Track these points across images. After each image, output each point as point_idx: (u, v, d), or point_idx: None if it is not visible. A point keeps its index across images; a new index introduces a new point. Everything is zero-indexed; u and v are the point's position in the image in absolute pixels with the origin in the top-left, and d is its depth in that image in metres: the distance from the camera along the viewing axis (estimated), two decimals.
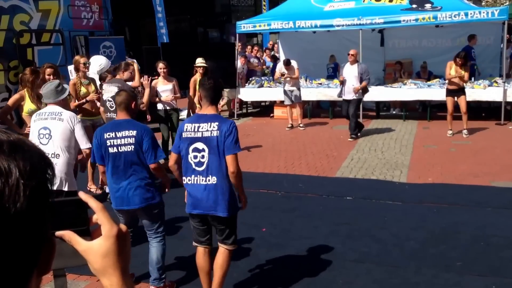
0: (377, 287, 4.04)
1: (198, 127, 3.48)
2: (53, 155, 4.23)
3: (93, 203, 0.85)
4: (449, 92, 9.40)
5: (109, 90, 6.68)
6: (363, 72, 9.41)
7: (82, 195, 0.84)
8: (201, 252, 3.72)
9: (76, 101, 6.65)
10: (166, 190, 4.07)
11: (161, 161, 3.97)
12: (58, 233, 0.81)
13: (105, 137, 3.80)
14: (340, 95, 9.88)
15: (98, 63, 8.07)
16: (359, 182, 6.98)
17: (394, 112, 12.41)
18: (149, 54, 10.25)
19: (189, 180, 3.56)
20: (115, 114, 6.83)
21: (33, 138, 4.24)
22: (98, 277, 0.86)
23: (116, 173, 3.82)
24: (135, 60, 11.58)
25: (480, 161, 7.76)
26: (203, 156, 3.47)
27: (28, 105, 5.83)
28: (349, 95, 9.55)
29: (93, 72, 8.24)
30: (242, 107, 13.12)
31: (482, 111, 11.17)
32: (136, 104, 4.00)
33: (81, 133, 4.44)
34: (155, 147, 3.84)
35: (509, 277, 4.12)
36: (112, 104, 6.74)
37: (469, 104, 9.63)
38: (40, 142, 4.24)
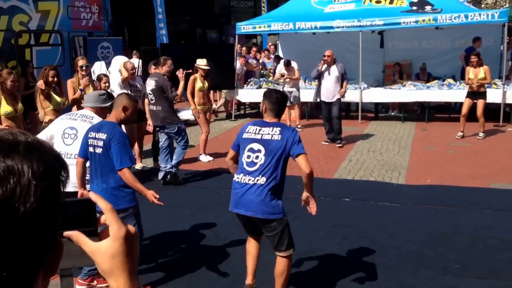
0: None
1: (260, 130, 3.60)
2: (75, 156, 4.14)
3: (102, 204, 0.85)
4: (468, 94, 9.35)
5: (149, 84, 7.05)
6: (343, 71, 9.13)
7: (91, 195, 0.84)
8: (251, 240, 3.82)
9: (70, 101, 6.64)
10: (154, 200, 3.76)
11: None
12: (66, 233, 0.81)
13: (88, 136, 3.85)
14: (316, 98, 9.38)
15: (119, 62, 8.16)
16: (357, 184, 6.96)
17: (392, 113, 12.40)
18: (147, 55, 10.21)
19: (237, 177, 3.62)
20: (155, 107, 6.98)
21: (56, 136, 4.24)
22: (105, 278, 0.85)
23: (91, 173, 3.86)
24: (136, 59, 11.60)
25: (478, 163, 7.74)
26: (257, 157, 3.54)
27: (4, 108, 5.78)
28: (330, 97, 9.11)
29: (114, 71, 8.35)
30: (240, 108, 13.10)
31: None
32: (130, 112, 3.95)
33: None
34: (123, 153, 3.66)
35: (507, 279, 4.10)
36: (152, 97, 7.01)
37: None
38: (64, 142, 4.22)
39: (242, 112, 13.08)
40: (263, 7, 18.83)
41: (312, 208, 3.75)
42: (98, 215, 0.85)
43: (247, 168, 3.55)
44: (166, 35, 14.08)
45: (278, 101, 3.66)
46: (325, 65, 9.06)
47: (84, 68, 6.83)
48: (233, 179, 3.66)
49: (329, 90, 9.11)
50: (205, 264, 4.48)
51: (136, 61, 11.02)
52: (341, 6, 11.92)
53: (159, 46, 11.76)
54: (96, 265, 0.85)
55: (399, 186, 6.77)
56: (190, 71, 7.96)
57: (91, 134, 3.83)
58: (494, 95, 10.55)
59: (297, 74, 10.54)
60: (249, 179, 3.53)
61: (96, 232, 0.84)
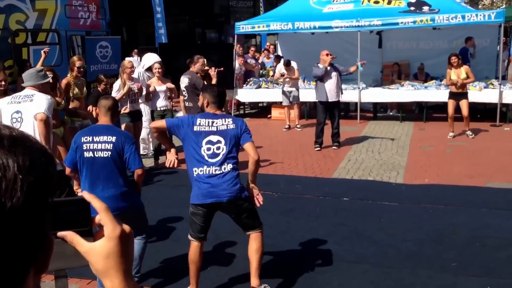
0: None
1: (213, 122, 3.75)
2: None
3: (96, 204, 0.84)
4: (451, 95, 9.43)
5: (183, 81, 7.29)
6: (341, 67, 8.99)
7: (85, 195, 0.83)
8: (196, 247, 3.81)
9: (65, 100, 6.55)
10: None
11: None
12: (60, 233, 0.80)
13: (82, 141, 3.69)
14: (322, 98, 8.82)
15: (149, 60, 8.28)
16: (356, 183, 6.99)
17: (391, 113, 12.44)
18: None
19: (201, 170, 3.67)
20: (187, 103, 7.18)
21: (6, 123, 4.23)
22: (100, 278, 0.85)
23: (90, 179, 3.67)
24: (135, 58, 11.59)
25: (475, 162, 7.78)
26: (218, 147, 3.69)
27: None
28: (334, 96, 8.83)
29: (141, 67, 8.40)
30: (239, 108, 13.12)
31: (478, 113, 11.20)
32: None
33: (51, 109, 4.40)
34: (137, 153, 3.82)
35: (504, 277, 4.13)
36: (185, 93, 7.29)
37: None
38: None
39: (241, 111, 13.10)
40: (261, 7, 18.86)
41: (259, 198, 3.89)
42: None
43: (209, 160, 3.67)
44: (165, 34, 14.08)
45: (219, 94, 3.89)
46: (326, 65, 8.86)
47: (81, 69, 6.81)
48: (195, 173, 3.68)
49: (333, 89, 8.89)
50: (204, 263, 4.48)
51: (135, 60, 11.02)
52: (340, 6, 11.95)
53: (158, 46, 11.75)
54: (91, 265, 0.84)
55: (397, 186, 6.80)
56: (222, 69, 8.04)
57: (86, 139, 3.67)
58: (490, 95, 10.61)
59: (296, 74, 10.56)
60: (215, 169, 3.66)
61: (91, 232, 0.83)
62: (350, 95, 11.65)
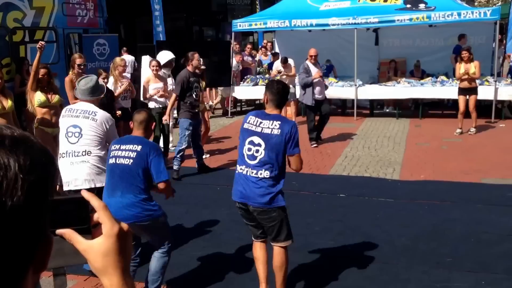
0: (368, 283, 4.08)
1: (260, 122, 3.59)
2: (84, 153, 4.11)
3: (94, 202, 0.84)
4: (461, 91, 9.47)
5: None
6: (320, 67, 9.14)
7: (84, 193, 0.84)
8: (256, 246, 3.80)
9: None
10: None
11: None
12: (58, 231, 0.80)
13: (111, 148, 3.71)
14: (309, 102, 8.85)
15: (164, 57, 8.33)
16: (352, 180, 7.03)
17: (387, 110, 12.50)
18: (144, 52, 10.22)
19: (241, 169, 3.63)
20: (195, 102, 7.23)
21: (60, 135, 4.11)
22: (98, 276, 0.85)
23: (111, 185, 3.66)
24: (132, 57, 11.61)
25: (471, 159, 7.84)
26: (257, 151, 3.54)
27: None
28: (322, 94, 9.05)
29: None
30: (237, 105, 13.15)
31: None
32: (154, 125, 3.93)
33: (115, 133, 4.31)
34: (163, 165, 3.66)
35: (499, 272, 4.17)
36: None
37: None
38: (68, 141, 4.09)
39: (238, 109, 13.13)
40: (257, 5, 18.86)
41: None
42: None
43: (248, 161, 3.58)
44: (163, 32, 14.08)
45: (279, 91, 3.66)
46: (311, 65, 8.94)
47: (82, 66, 6.82)
48: (237, 170, 3.67)
49: (320, 88, 9.01)
50: (201, 261, 4.52)
51: (128, 58, 11.04)
52: (337, 4, 11.98)
53: (155, 44, 11.75)
54: (89, 263, 0.84)
55: (393, 182, 6.85)
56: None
57: (114, 147, 3.71)
58: (486, 92, 10.67)
59: (293, 71, 10.60)
60: (251, 172, 3.56)
61: (89, 230, 0.83)
62: (347, 92, 11.71)
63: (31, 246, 0.69)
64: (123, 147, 3.66)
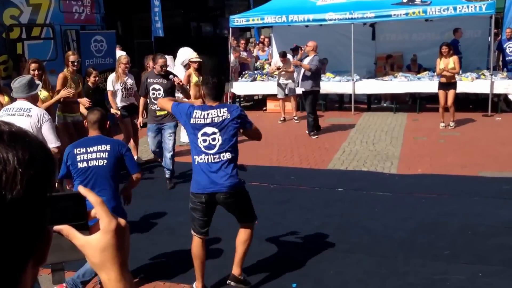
0: (367, 277, 4.12)
1: (207, 114, 3.75)
2: None
3: (92, 197, 0.85)
4: (441, 86, 9.59)
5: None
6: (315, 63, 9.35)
7: (81, 189, 0.84)
8: (197, 242, 3.87)
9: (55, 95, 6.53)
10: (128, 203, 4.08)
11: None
12: (56, 227, 0.81)
13: (75, 153, 3.73)
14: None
15: (184, 55, 8.32)
16: (350, 174, 7.08)
17: (385, 104, 12.55)
18: (141, 48, 10.25)
19: (201, 159, 3.74)
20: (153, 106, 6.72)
21: None
22: (96, 272, 0.86)
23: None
24: (124, 53, 11.59)
25: (468, 152, 7.89)
26: (213, 139, 3.72)
27: None
28: (307, 86, 9.35)
29: (179, 63, 8.39)
30: (235, 100, 13.16)
31: (470, 103, 11.35)
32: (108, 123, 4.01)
33: (50, 131, 4.25)
34: (133, 159, 3.97)
35: (496, 264, 4.22)
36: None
37: (457, 96, 9.80)
38: None
39: (237, 104, 13.14)
40: (250, 0, 18.82)
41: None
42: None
43: (206, 150, 3.73)
44: (162, 28, 14.07)
45: (214, 86, 3.84)
46: (305, 55, 9.26)
47: (75, 63, 6.82)
48: (196, 161, 3.76)
49: (306, 79, 9.27)
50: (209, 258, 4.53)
51: (121, 54, 11.02)
52: None
53: (153, 40, 11.74)
54: (87, 258, 0.84)
55: (391, 176, 6.90)
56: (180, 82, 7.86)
57: (79, 150, 3.73)
58: (482, 86, 10.75)
59: (292, 66, 10.62)
60: (213, 158, 3.71)
61: (87, 225, 0.84)
62: (344, 87, 11.75)
63: (30, 239, 0.70)
64: (90, 149, 3.71)
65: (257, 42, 15.42)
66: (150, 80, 6.82)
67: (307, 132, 9.45)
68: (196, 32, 21.86)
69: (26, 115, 4.15)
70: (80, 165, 3.70)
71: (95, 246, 0.83)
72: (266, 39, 14.96)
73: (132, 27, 19.00)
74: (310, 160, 7.86)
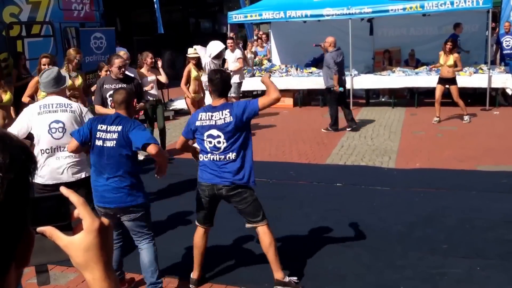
0: (365, 270, 4.15)
1: (211, 115, 3.75)
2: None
3: (74, 198, 0.84)
4: (440, 80, 9.62)
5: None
6: (332, 60, 9.31)
7: (63, 190, 0.84)
8: (200, 231, 3.93)
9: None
10: (161, 175, 3.78)
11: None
12: (39, 229, 0.80)
13: (98, 128, 3.63)
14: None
15: (215, 48, 8.37)
16: (349, 169, 7.13)
17: (383, 99, 12.59)
18: (140, 45, 10.27)
19: (206, 157, 3.79)
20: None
21: (42, 132, 4.00)
22: (80, 271, 0.86)
23: (98, 168, 3.64)
24: (125, 50, 11.62)
25: (465, 146, 7.94)
26: (218, 142, 3.73)
27: None
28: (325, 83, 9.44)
29: (208, 56, 8.42)
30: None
31: (468, 97, 11.37)
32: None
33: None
34: (148, 134, 3.71)
35: (493, 258, 4.25)
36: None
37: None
38: (53, 137, 4.03)
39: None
40: None
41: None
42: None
43: (213, 151, 3.76)
44: (161, 24, 14.09)
45: (219, 82, 3.79)
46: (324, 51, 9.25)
47: (77, 60, 6.85)
48: (201, 158, 3.80)
49: (325, 76, 9.33)
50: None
51: (120, 50, 11.05)
52: None
53: (152, 37, 11.75)
54: (71, 259, 0.84)
55: (389, 170, 6.95)
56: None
57: (101, 127, 3.63)
58: (480, 80, 10.80)
59: (241, 62, 10.22)
60: (219, 157, 3.74)
61: (70, 226, 0.84)
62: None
63: (12, 242, 0.70)
64: (109, 128, 3.61)
65: (251, 40, 15.40)
66: (106, 86, 6.00)
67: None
68: (195, 28, 21.85)
69: (70, 111, 4.12)
70: (97, 142, 3.61)
71: (78, 246, 0.83)
72: (264, 35, 14.99)
73: (131, 24, 19.00)
74: (308, 155, 7.91)
